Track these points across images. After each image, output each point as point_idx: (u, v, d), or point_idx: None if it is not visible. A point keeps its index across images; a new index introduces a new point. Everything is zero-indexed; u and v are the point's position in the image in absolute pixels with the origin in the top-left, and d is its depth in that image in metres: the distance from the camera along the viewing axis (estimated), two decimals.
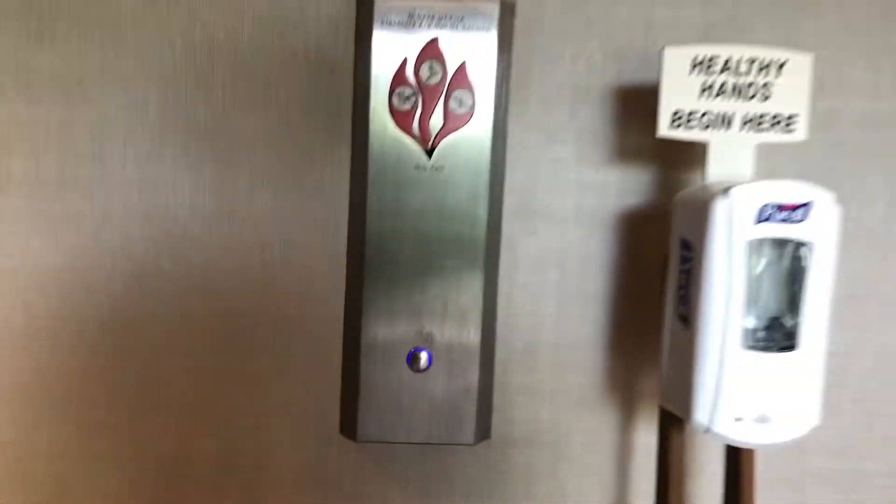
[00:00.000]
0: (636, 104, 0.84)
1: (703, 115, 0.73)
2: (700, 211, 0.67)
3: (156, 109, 0.82)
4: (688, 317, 0.69)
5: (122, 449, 0.85)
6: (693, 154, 0.83)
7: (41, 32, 0.81)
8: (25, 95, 0.81)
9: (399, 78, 0.77)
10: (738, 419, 0.68)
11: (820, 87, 0.84)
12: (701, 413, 0.68)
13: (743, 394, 0.68)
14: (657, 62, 0.78)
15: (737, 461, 0.76)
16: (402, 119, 0.78)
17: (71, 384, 0.84)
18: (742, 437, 0.69)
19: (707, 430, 0.68)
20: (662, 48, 0.73)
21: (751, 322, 0.69)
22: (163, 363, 0.84)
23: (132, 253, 0.83)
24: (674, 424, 0.77)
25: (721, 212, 0.66)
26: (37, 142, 0.82)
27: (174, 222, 0.83)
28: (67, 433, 0.85)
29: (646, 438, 0.88)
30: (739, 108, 0.73)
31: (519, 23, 0.82)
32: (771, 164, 0.84)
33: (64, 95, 0.81)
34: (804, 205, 0.65)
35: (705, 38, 0.83)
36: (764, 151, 0.84)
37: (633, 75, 0.83)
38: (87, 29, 0.81)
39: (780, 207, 0.65)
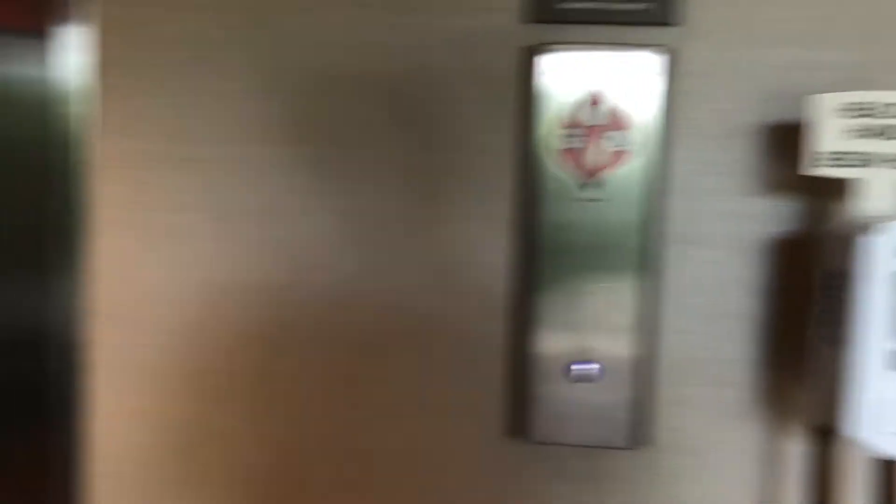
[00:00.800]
0: (783, 140, 0.89)
1: (847, 155, 0.79)
2: (845, 244, 0.73)
3: (312, 151, 0.95)
4: (834, 339, 0.75)
5: (303, 442, 0.99)
6: (839, 186, 0.88)
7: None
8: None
9: (566, 119, 0.87)
10: (892, 433, 0.74)
11: None
12: (849, 427, 0.74)
13: (888, 410, 0.74)
14: (801, 102, 0.85)
15: (889, 473, 0.82)
16: (567, 156, 0.87)
17: (234, 382, 0.98)
18: (889, 449, 0.75)
19: (855, 443, 0.75)
20: (808, 95, 0.79)
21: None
22: (345, 368, 0.96)
23: (303, 271, 0.96)
24: (823, 437, 0.83)
25: (865, 246, 0.72)
26: (217, 178, 0.96)
27: (340, 246, 0.94)
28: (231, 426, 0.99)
29: (792, 449, 0.92)
30: (882, 148, 0.78)
31: (677, 66, 0.91)
32: None
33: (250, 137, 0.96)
34: None
35: (848, 79, 0.88)
36: None
37: (781, 113, 0.89)
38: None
39: None
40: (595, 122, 0.86)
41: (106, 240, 0.97)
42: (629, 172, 0.87)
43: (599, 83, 0.86)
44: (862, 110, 0.78)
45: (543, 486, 0.95)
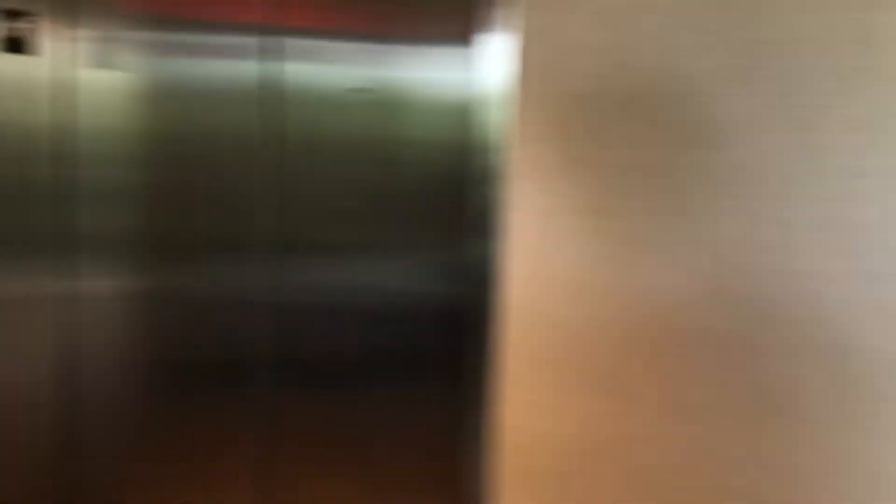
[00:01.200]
0: None
1: None
2: None
3: (725, 155, 0.93)
4: None
5: (727, 448, 0.97)
6: None
7: None
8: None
9: None
10: None
11: None
12: None
13: None
14: None
15: None
16: None
17: (639, 383, 0.98)
18: None
19: None
20: None
21: None
22: (758, 375, 0.95)
23: (717, 277, 0.95)
24: None
25: None
26: (623, 181, 0.97)
27: (755, 252, 0.93)
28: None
29: None
30: None
31: None
32: None
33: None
34: None
35: None
36: None
37: None
38: None
39: None
40: None
41: (519, 239, 1.02)
42: None
43: None
44: None
45: None
